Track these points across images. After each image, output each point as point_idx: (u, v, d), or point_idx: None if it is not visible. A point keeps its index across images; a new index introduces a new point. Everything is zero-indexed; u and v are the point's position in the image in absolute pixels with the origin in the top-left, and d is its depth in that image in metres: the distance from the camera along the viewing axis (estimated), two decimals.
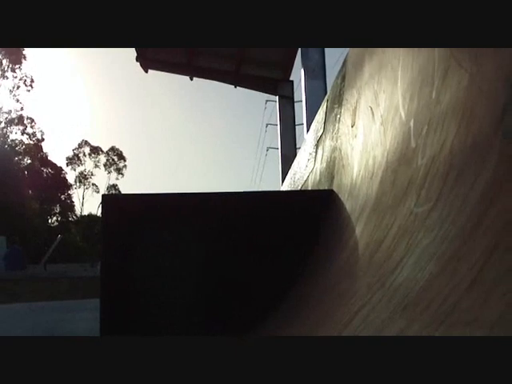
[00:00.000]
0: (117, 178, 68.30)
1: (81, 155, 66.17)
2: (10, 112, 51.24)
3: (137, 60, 14.70)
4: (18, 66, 51.17)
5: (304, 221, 4.61)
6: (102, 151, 66.99)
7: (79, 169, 65.70)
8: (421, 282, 1.80)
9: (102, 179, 69.01)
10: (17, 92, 52.08)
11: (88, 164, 66.64)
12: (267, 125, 52.93)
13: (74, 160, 65.67)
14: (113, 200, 5.31)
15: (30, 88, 52.45)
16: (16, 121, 51.99)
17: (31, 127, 54.61)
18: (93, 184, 66.58)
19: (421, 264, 1.94)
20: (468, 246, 1.68)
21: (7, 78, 50.93)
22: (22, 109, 52.97)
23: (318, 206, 4.70)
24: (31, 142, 54.26)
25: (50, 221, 57.73)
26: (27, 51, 52.54)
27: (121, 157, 67.70)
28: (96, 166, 66.73)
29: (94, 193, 65.78)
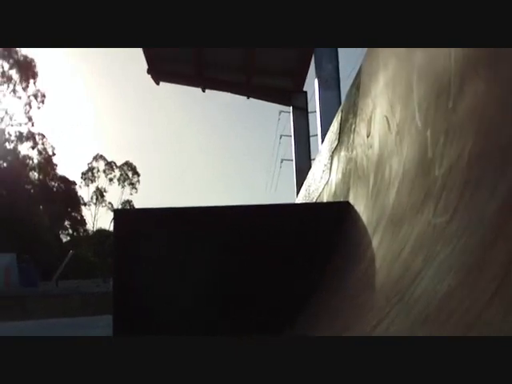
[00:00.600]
0: (130, 193, 68.29)
1: (95, 171, 66.40)
2: (20, 125, 51.62)
3: (148, 72, 14.74)
4: (28, 83, 51.45)
5: (320, 233, 4.58)
6: (116, 166, 67.18)
7: (93, 185, 65.87)
8: (439, 295, 1.77)
9: (116, 195, 69.10)
10: (27, 108, 52.43)
11: (101, 180, 66.85)
12: (281, 136, 52.91)
13: (88, 175, 65.90)
14: (124, 214, 5.33)
15: (41, 105, 52.73)
16: (27, 136, 52.29)
17: (42, 143, 54.95)
18: (109, 203, 66.64)
19: (440, 276, 1.90)
20: (487, 257, 1.64)
21: (20, 98, 51.27)
22: (32, 125, 53.26)
23: (333, 219, 4.67)
24: (41, 158, 54.48)
25: (61, 237, 57.91)
26: (39, 68, 53.06)
27: (135, 171, 67.86)
28: (110, 180, 66.87)
29: (109, 210, 65.61)
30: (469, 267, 1.72)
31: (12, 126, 51.52)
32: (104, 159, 67.81)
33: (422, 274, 2.10)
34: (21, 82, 51.19)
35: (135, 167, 68.66)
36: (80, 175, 66.43)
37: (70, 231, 61.59)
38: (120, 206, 65.31)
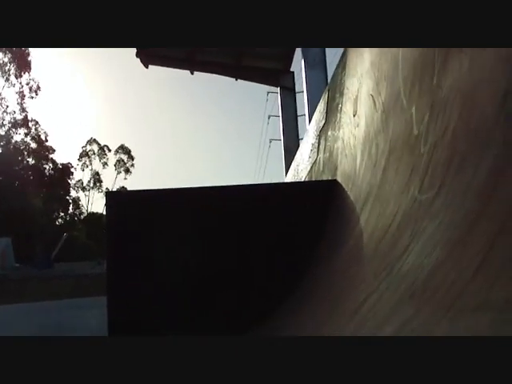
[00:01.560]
0: (125, 178, 67.87)
1: (90, 153, 65.97)
2: (14, 113, 51.25)
3: (137, 56, 14.65)
4: (23, 72, 50.94)
5: (309, 211, 4.61)
6: (109, 150, 66.78)
7: (88, 169, 65.44)
8: (427, 269, 1.80)
9: (110, 179, 68.57)
10: (21, 96, 51.91)
11: (95, 164, 66.43)
12: (269, 116, 52.74)
13: (84, 158, 65.42)
14: (116, 196, 5.33)
15: (34, 95, 52.28)
16: (20, 123, 51.86)
17: (35, 129, 54.54)
18: (106, 188, 66.18)
19: (426, 251, 1.93)
20: (473, 231, 1.67)
21: (14, 85, 50.82)
22: (26, 113, 52.87)
23: (322, 197, 4.70)
24: (35, 143, 54.12)
25: (56, 219, 57.68)
26: (32, 56, 52.40)
27: (129, 155, 67.44)
28: (105, 164, 66.48)
29: (103, 196, 64.67)
30: (454, 242, 1.75)
31: (7, 113, 51.17)
32: (97, 143, 67.41)
33: (408, 249, 2.13)
34: (15, 71, 50.74)
35: (130, 151, 68.31)
36: (77, 157, 66.09)
37: (64, 215, 61.32)
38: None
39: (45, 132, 57.16)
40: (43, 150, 56.43)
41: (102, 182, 66.90)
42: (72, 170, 62.16)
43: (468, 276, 1.50)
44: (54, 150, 58.47)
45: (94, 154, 67.49)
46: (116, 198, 4.96)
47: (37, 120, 55.92)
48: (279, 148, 15.62)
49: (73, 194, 62.71)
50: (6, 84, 50.91)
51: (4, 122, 50.78)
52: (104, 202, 4.73)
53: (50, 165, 57.97)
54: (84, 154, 67.18)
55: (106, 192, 4.41)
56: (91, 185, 66.38)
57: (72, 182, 62.56)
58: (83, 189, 64.90)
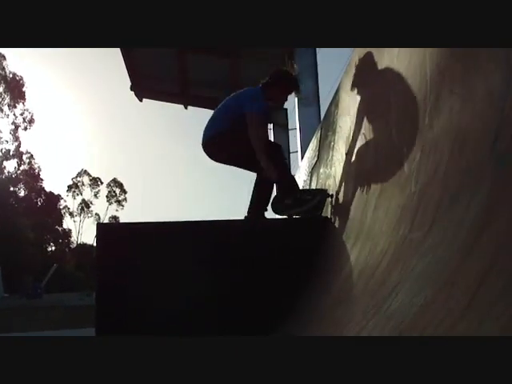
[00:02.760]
0: (116, 210, 67.83)
1: (79, 184, 66.00)
2: (7, 142, 51.17)
3: (131, 89, 14.68)
4: (17, 103, 50.99)
5: (299, 248, 4.60)
6: (101, 182, 66.90)
7: (79, 198, 65.45)
8: (415, 308, 1.79)
9: (101, 210, 68.48)
10: (14, 127, 51.85)
11: (86, 194, 66.38)
12: None
13: (73, 188, 65.39)
14: (107, 228, 5.32)
15: (28, 125, 52.24)
16: (13, 153, 51.87)
17: (29, 163, 54.55)
18: (95, 214, 66.18)
19: (415, 290, 1.93)
20: (462, 270, 1.67)
21: (8, 116, 50.79)
22: (19, 145, 52.79)
23: (313, 234, 4.70)
24: (27, 175, 53.99)
25: (46, 250, 57.34)
26: (27, 86, 52.54)
27: (122, 189, 67.53)
28: (95, 195, 66.45)
29: (93, 225, 64.93)
30: (444, 281, 1.75)
31: (0, 143, 51.10)
32: (88, 174, 67.49)
33: (397, 288, 2.12)
34: (10, 101, 50.82)
35: (122, 184, 68.36)
36: (67, 188, 66.02)
37: (54, 245, 61.05)
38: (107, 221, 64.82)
39: (38, 166, 57.19)
40: (36, 182, 56.37)
41: (89, 207, 66.75)
42: (62, 201, 62.19)
43: (457, 315, 1.50)
44: (43, 181, 58.46)
45: (84, 185, 67.49)
46: (106, 229, 4.95)
47: (31, 153, 55.91)
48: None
49: (63, 224, 62.54)
50: (0, 114, 50.89)
51: None
52: (93, 231, 4.73)
53: (42, 196, 57.89)
54: (74, 186, 67.14)
55: (97, 223, 4.41)
56: (79, 211, 66.18)
57: (62, 211, 62.46)
58: (71, 214, 64.58)
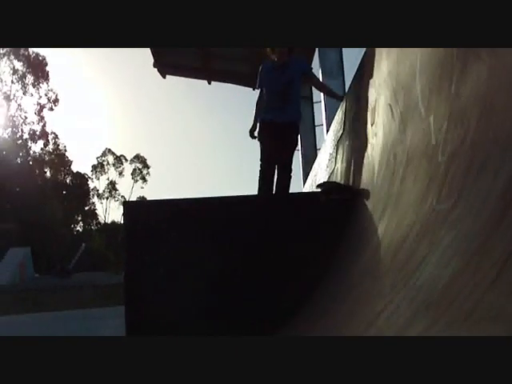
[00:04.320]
0: (142, 187, 68.12)
1: (105, 164, 66.33)
2: (33, 123, 51.44)
3: (154, 66, 14.62)
4: (41, 83, 51.13)
5: (327, 222, 4.59)
6: (125, 159, 67.18)
7: (103, 177, 65.88)
8: (443, 280, 1.77)
9: (127, 188, 68.83)
10: (39, 108, 52.03)
11: (111, 173, 66.77)
12: None
13: (98, 169, 65.84)
14: (134, 207, 5.35)
15: (53, 105, 52.34)
16: (39, 135, 52.11)
17: (55, 143, 54.82)
18: (121, 196, 66.52)
19: (443, 262, 1.91)
20: (490, 242, 1.65)
21: (32, 95, 50.96)
22: (44, 124, 53.02)
23: (340, 207, 4.68)
24: (53, 155, 54.29)
25: (74, 230, 57.97)
26: (50, 67, 52.74)
27: (145, 164, 67.75)
28: (120, 174, 66.77)
29: (120, 204, 65.30)
30: (472, 252, 1.73)
31: (25, 124, 51.35)
32: (113, 153, 67.83)
33: (426, 260, 2.10)
34: (34, 81, 50.96)
35: (145, 160, 68.61)
36: (92, 168, 66.50)
37: (82, 224, 61.73)
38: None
39: (64, 146, 57.55)
40: (62, 162, 56.78)
41: (117, 190, 67.28)
42: (88, 181, 62.66)
43: (485, 287, 1.48)
44: (71, 162, 58.89)
45: (109, 164, 67.89)
46: (133, 208, 4.98)
47: (56, 133, 56.22)
48: (298, 157, 15.55)
49: (91, 204, 63.11)
50: (25, 95, 51.15)
51: (23, 134, 51.03)
52: (120, 211, 4.76)
53: (69, 177, 58.37)
54: (99, 165, 67.60)
55: (123, 202, 4.41)
56: (106, 194, 66.77)
57: (90, 193, 62.99)
58: (98, 196, 65.17)
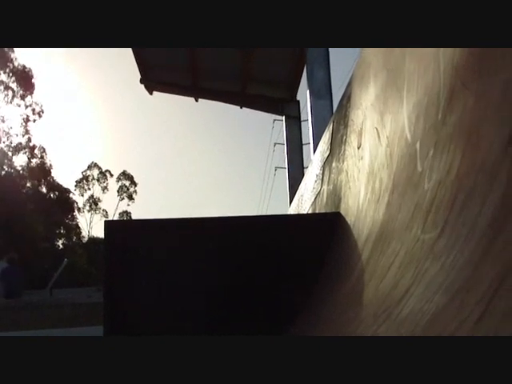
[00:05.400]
0: (128, 204, 67.58)
1: (90, 178, 65.86)
2: (17, 135, 51.03)
3: (141, 82, 14.61)
4: (26, 94, 50.78)
5: (310, 245, 4.55)
6: (111, 175, 66.75)
7: (87, 193, 65.32)
8: (428, 315, 1.73)
9: (111, 204, 68.47)
10: (24, 120, 51.64)
11: (96, 188, 66.24)
12: (275, 144, 53.34)
13: (82, 183, 65.39)
14: (115, 226, 5.28)
15: (37, 118, 52.00)
16: (23, 147, 51.67)
17: (41, 157, 54.43)
18: (103, 210, 66.05)
19: (428, 295, 1.86)
20: (476, 275, 1.61)
21: (19, 106, 50.63)
22: (29, 139, 52.61)
23: (324, 230, 4.63)
24: (37, 168, 53.81)
25: (56, 244, 57.51)
26: (36, 79, 52.51)
27: (132, 181, 67.28)
28: (104, 189, 66.26)
29: (103, 218, 64.67)
30: (458, 286, 1.68)
31: (10, 135, 50.93)
32: (98, 167, 67.37)
33: (409, 292, 2.06)
34: (18, 93, 50.63)
35: (132, 177, 68.12)
36: (75, 183, 65.99)
37: (65, 240, 61.22)
38: (118, 217, 64.76)
39: (50, 160, 57.10)
40: (45, 175, 56.23)
41: (97, 204, 66.83)
42: (71, 195, 62.10)
43: (470, 325, 1.43)
44: (54, 176, 58.46)
45: (94, 179, 67.47)
46: (115, 227, 4.91)
47: (40, 145, 55.70)
48: (284, 176, 15.55)
49: (74, 219, 62.68)
50: (9, 106, 50.83)
51: (6, 145, 50.66)
52: (102, 225, 4.68)
53: (53, 191, 57.93)
54: (84, 179, 67.19)
55: (105, 221, 4.35)
56: (87, 208, 66.32)
57: (73, 206, 62.52)
58: (78, 210, 64.52)
